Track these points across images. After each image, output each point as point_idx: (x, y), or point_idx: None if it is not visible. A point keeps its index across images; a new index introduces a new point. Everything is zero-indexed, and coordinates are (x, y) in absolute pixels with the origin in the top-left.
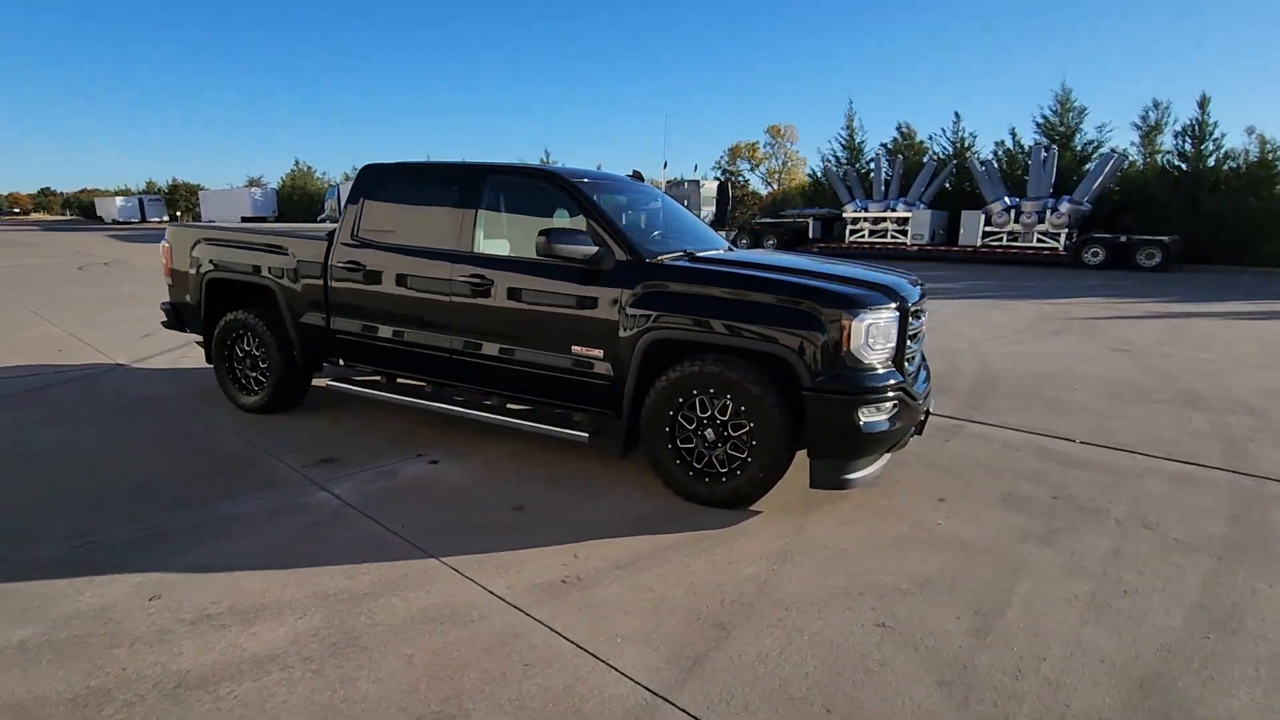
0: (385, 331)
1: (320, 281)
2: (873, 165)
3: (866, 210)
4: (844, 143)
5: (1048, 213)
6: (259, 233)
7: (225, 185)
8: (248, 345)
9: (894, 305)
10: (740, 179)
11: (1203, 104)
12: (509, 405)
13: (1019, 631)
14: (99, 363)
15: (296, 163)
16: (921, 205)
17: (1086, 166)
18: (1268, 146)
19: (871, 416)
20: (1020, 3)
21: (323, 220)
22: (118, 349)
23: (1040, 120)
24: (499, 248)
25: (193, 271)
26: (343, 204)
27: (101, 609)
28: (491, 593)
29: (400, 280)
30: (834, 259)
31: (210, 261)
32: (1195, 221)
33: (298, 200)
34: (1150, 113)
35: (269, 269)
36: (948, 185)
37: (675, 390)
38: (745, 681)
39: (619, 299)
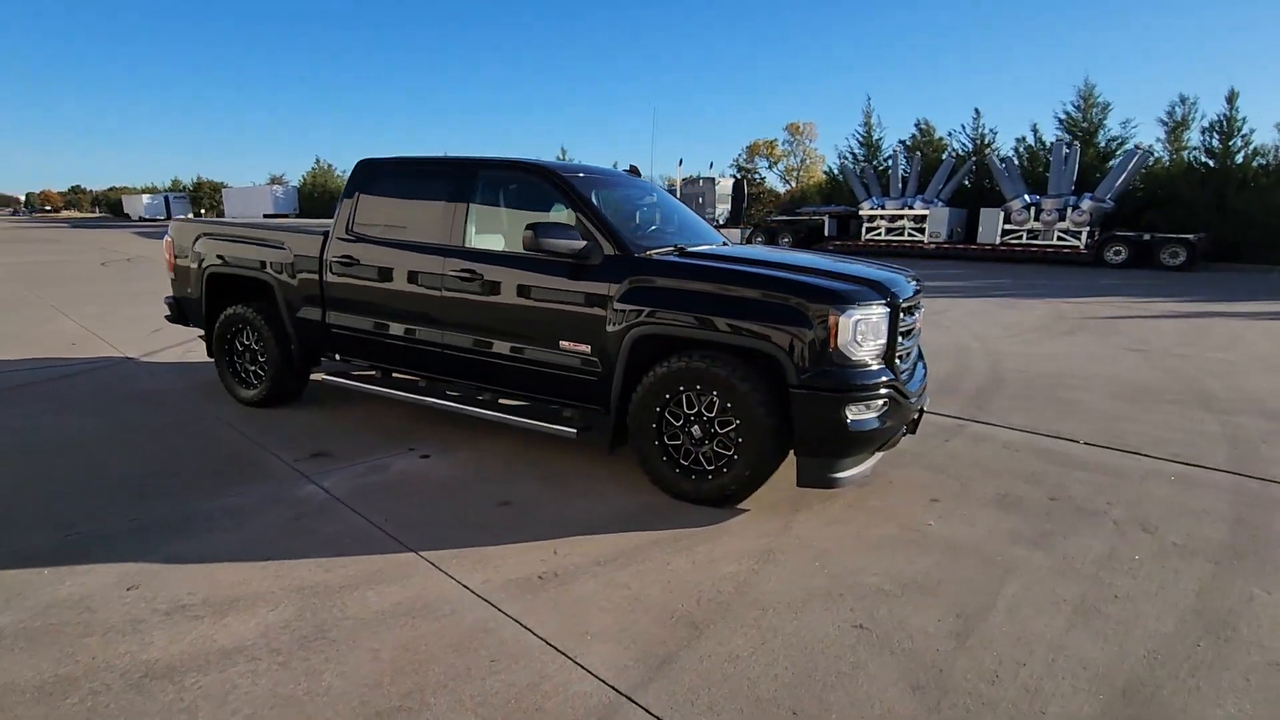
0: (378, 326)
1: (316, 276)
2: (890, 162)
3: (883, 208)
4: (861, 140)
5: (1069, 210)
6: (258, 227)
7: (248, 183)
8: (247, 339)
9: (884, 301)
10: (757, 176)
11: (1231, 99)
12: (501, 401)
13: (1001, 635)
14: (109, 356)
15: (317, 161)
16: (939, 203)
17: (1110, 163)
18: None
19: (860, 414)
20: None
21: None
22: (128, 343)
23: (1062, 117)
24: (492, 242)
25: (194, 266)
26: None
27: (80, 598)
28: (466, 587)
29: (392, 275)
30: (842, 256)
31: (211, 256)
32: (1222, 219)
33: (318, 197)
34: (1176, 108)
35: (267, 264)
36: (967, 182)
37: (662, 386)
38: (713, 681)
39: (607, 294)
